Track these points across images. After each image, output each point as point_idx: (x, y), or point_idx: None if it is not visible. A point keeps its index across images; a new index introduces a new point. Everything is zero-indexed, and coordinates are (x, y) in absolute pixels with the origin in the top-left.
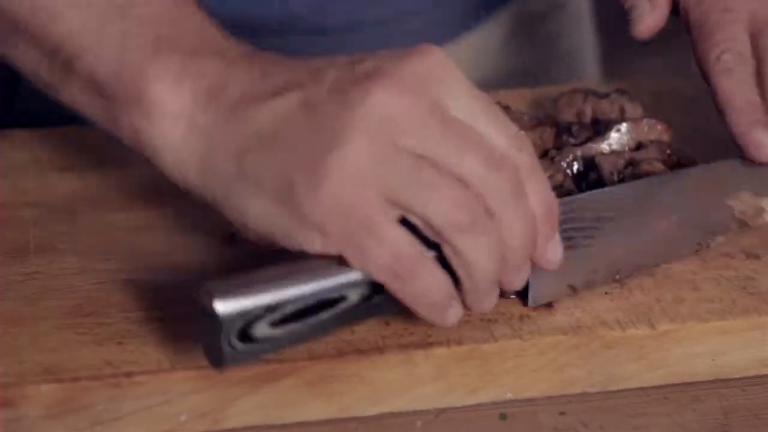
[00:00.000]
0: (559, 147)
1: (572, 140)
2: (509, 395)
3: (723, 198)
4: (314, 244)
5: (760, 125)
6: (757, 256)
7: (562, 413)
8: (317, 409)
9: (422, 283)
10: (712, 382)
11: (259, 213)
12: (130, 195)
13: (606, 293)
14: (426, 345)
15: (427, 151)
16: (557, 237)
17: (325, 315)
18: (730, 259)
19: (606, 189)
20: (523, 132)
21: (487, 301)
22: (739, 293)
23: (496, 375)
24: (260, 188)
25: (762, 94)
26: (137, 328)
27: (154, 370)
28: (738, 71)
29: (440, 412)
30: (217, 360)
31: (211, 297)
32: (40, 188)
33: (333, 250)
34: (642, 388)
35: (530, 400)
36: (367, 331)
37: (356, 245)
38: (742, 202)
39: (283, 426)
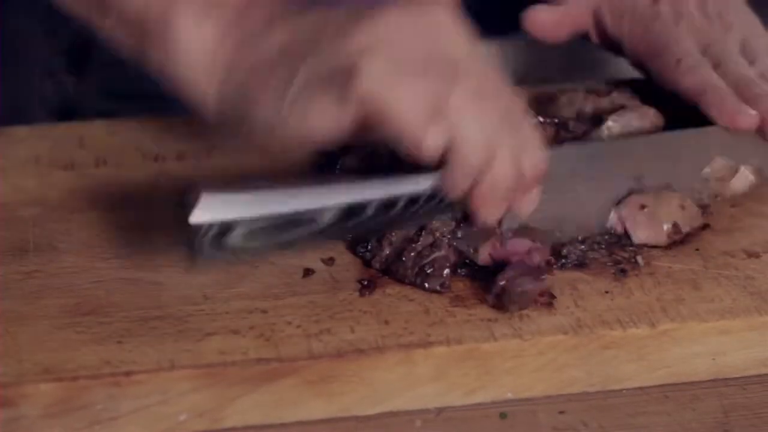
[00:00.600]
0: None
1: (570, 136)
2: (509, 395)
3: (700, 164)
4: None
5: (735, 98)
6: (757, 255)
7: (561, 412)
8: (317, 409)
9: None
10: (712, 381)
11: (267, 122)
12: (129, 193)
13: (606, 292)
14: (426, 344)
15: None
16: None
17: (296, 233)
18: (731, 258)
19: (584, 144)
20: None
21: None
22: (740, 293)
23: (495, 375)
24: (266, 95)
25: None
26: (137, 327)
27: (154, 369)
28: (700, 69)
29: (440, 411)
30: (192, 258)
31: (192, 206)
32: (39, 187)
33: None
34: (642, 387)
35: (530, 399)
36: (366, 330)
37: None
38: (718, 168)
39: (283, 425)
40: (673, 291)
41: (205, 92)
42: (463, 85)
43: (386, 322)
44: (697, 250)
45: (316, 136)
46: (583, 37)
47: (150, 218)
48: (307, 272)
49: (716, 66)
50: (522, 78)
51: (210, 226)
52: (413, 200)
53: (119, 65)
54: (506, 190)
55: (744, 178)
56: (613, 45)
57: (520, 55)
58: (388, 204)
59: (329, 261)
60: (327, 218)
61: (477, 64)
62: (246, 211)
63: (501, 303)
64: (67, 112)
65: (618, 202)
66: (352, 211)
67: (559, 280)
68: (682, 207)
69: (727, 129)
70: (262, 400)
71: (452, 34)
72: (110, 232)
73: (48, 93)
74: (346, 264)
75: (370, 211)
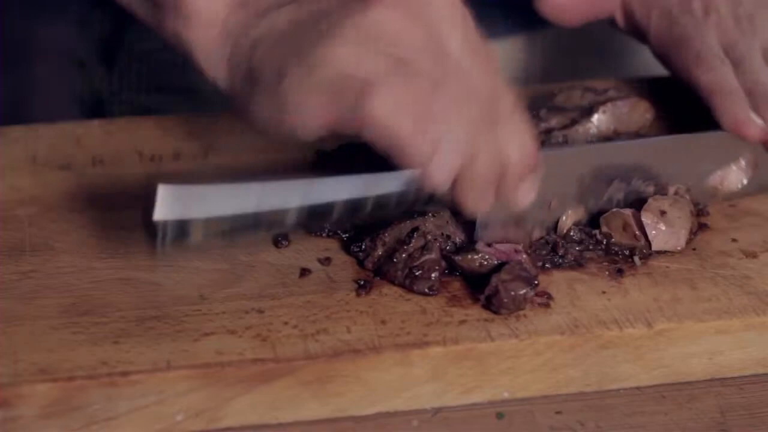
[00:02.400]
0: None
1: (543, 124)
2: (506, 395)
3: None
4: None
5: (747, 106)
6: (754, 255)
7: (558, 412)
8: (313, 409)
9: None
10: (709, 380)
11: (263, 106)
12: (126, 193)
13: (603, 292)
14: (422, 344)
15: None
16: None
17: (260, 233)
18: (728, 258)
19: (585, 146)
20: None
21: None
22: (736, 292)
23: (492, 375)
24: (262, 81)
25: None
26: (133, 327)
27: (150, 369)
28: (719, 67)
29: (437, 411)
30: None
31: (155, 204)
32: (36, 186)
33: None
34: (639, 387)
35: (527, 399)
36: (363, 330)
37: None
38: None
39: (280, 426)
40: (670, 291)
41: (217, 63)
42: (447, 87)
43: (383, 322)
44: (694, 249)
45: (311, 127)
46: (609, 23)
47: (147, 218)
48: (304, 272)
49: (736, 66)
50: (522, 77)
51: (170, 224)
52: (382, 202)
53: (149, 58)
54: (489, 182)
55: (739, 173)
56: (638, 32)
57: (519, 54)
58: (357, 205)
59: (326, 261)
60: (291, 219)
61: (470, 54)
62: (206, 210)
63: (492, 306)
64: (97, 104)
65: (639, 207)
66: (317, 211)
67: (555, 280)
68: (691, 212)
69: (732, 134)
70: (258, 400)
71: (446, 21)
72: (107, 231)
73: (78, 86)
74: (343, 264)
75: (336, 214)
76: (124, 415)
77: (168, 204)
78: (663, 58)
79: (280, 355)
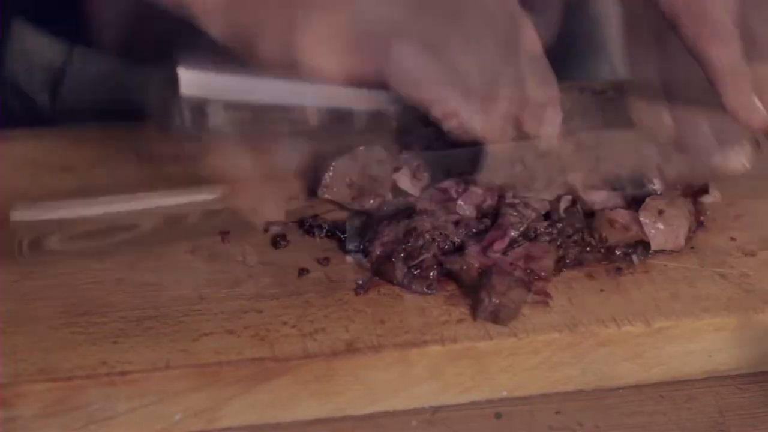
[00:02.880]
0: None
1: None
2: (504, 393)
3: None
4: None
5: (752, 92)
6: (753, 254)
7: (557, 412)
8: (312, 409)
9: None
10: (708, 380)
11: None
12: (124, 195)
13: (601, 290)
14: (421, 343)
15: None
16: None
17: (117, 238)
18: (726, 257)
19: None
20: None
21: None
22: (735, 290)
23: (490, 374)
24: (269, 33)
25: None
26: (132, 327)
27: (149, 369)
28: (731, 44)
29: (436, 410)
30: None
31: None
32: (35, 188)
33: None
34: (638, 387)
35: (526, 399)
36: (362, 329)
37: None
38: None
39: (279, 425)
40: (668, 289)
41: (216, 22)
42: (468, 15)
43: (381, 322)
44: (692, 248)
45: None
46: None
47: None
48: (302, 272)
49: (748, 48)
50: None
51: (27, 230)
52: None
53: (91, 85)
54: (511, 115)
55: (740, 154)
56: None
57: None
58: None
59: (324, 261)
60: (149, 225)
61: None
62: (63, 212)
63: (500, 321)
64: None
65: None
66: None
67: (554, 278)
68: (690, 212)
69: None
70: (257, 400)
71: None
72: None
73: (18, 110)
74: (341, 263)
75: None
76: (122, 414)
77: (190, 82)
78: (674, 26)
79: (278, 354)
